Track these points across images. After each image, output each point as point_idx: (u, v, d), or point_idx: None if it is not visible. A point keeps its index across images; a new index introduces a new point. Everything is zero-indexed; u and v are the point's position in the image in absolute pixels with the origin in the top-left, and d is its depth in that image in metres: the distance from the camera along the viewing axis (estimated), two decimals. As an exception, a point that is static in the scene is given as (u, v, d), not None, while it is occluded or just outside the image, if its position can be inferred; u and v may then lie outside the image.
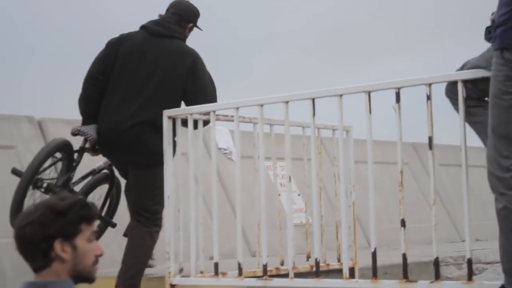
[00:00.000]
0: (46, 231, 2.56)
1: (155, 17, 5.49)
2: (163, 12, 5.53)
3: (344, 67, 16.01)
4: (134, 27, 5.48)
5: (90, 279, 2.71)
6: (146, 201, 5.17)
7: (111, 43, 5.43)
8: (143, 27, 5.49)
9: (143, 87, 5.26)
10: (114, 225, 5.55)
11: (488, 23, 3.77)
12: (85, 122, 5.39)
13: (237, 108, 4.86)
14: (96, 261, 2.71)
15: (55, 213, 2.59)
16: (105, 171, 5.65)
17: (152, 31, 5.42)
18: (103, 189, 5.69)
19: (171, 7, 5.55)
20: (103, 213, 5.70)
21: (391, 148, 8.90)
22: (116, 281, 5.04)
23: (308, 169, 5.33)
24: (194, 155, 5.08)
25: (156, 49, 5.34)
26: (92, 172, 5.62)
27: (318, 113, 4.62)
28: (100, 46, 5.41)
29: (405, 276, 4.14)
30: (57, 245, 2.58)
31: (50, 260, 2.59)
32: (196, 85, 5.29)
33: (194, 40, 5.63)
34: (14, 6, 14.42)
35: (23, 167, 6.43)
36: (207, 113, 5.02)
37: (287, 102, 4.70)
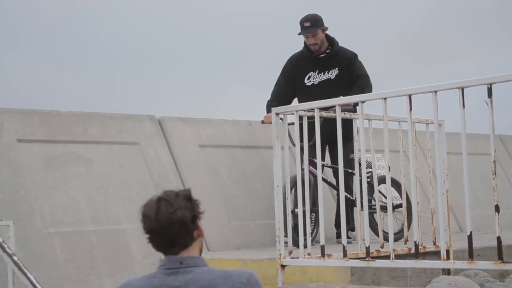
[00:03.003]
0: (193, 212, 2.66)
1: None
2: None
3: (434, 64, 15.85)
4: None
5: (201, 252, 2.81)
6: None
7: None
8: None
9: None
10: None
11: None
12: None
13: (339, 105, 4.93)
14: None
15: (189, 200, 2.68)
16: None
17: None
18: None
19: None
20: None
21: (477, 140, 8.80)
22: None
23: (405, 160, 5.34)
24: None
25: None
26: None
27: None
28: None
29: (500, 257, 4.12)
30: (199, 223, 2.69)
31: (193, 239, 2.67)
32: None
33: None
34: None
35: (146, 161, 6.69)
36: (312, 110, 5.10)
37: (385, 99, 4.73)
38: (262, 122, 6.80)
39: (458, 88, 4.32)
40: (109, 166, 6.49)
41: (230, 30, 15.25)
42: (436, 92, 4.46)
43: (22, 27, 14.23)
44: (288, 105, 5.46)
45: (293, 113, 5.18)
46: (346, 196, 6.15)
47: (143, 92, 14.57)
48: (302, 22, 6.73)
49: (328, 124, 5.56)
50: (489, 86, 4.21)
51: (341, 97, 5.45)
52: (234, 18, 15.10)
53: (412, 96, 4.59)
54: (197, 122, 7.27)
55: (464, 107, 4.31)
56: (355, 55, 6.95)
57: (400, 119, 5.42)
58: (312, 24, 6.69)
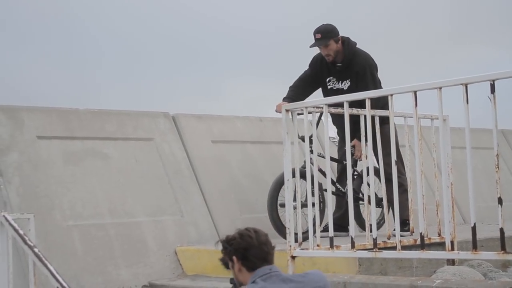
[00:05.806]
0: None
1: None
2: None
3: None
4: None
5: None
6: None
7: None
8: None
9: None
10: None
11: None
12: None
13: (347, 101, 4.95)
14: None
15: None
16: None
17: None
18: None
19: None
20: None
21: (480, 134, 8.79)
22: None
23: (410, 154, 5.35)
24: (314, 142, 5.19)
25: None
26: None
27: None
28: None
29: (503, 248, 4.13)
30: None
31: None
32: None
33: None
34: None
35: (160, 156, 6.73)
36: (320, 106, 5.12)
37: (391, 95, 4.75)
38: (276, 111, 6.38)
39: (462, 84, 4.33)
40: (125, 161, 6.53)
41: (239, 27, 15.22)
42: (441, 88, 4.47)
43: (30, 25, 14.27)
44: (298, 102, 5.46)
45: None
46: (339, 189, 6.21)
47: (155, 88, 14.59)
48: (314, 34, 6.40)
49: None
50: (491, 82, 4.22)
51: (350, 94, 5.44)
52: (242, 19, 15.07)
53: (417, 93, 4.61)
54: (209, 118, 7.31)
55: (468, 103, 4.32)
56: (365, 68, 6.46)
57: (406, 115, 5.43)
58: (322, 36, 6.33)
